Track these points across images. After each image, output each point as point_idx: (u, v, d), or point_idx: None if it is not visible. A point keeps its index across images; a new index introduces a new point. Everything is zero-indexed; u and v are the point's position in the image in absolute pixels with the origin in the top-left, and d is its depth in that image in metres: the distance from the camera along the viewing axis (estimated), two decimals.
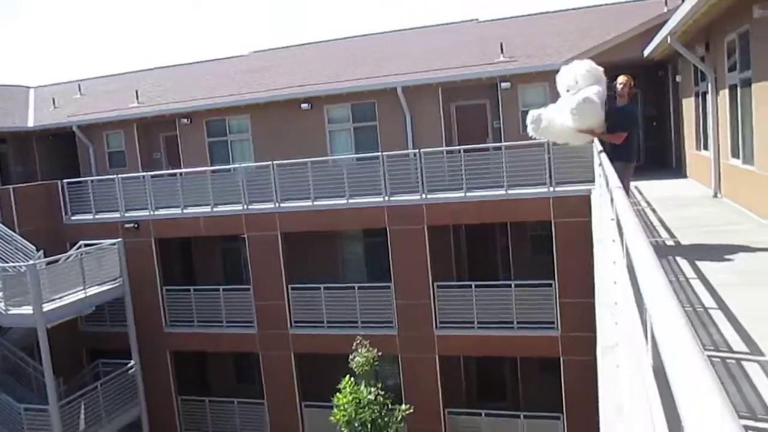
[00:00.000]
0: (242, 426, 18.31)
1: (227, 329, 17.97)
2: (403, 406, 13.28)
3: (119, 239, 17.64)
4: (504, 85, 17.44)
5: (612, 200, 4.77)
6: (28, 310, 14.79)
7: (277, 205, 17.06)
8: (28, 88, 27.89)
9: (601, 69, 8.34)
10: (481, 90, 18.17)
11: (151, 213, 18.37)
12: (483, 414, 16.30)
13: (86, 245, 16.98)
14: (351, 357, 13.24)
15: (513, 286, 15.67)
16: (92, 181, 19.53)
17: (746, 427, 3.17)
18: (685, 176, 14.81)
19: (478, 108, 18.55)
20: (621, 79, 8.18)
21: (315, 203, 16.72)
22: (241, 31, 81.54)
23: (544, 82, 16.65)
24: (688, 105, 14.17)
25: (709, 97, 11.31)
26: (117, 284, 17.19)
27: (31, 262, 15.29)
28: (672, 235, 8.25)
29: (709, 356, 4.13)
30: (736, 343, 4.28)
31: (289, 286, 17.18)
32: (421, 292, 15.94)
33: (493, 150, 16.52)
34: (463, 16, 24.73)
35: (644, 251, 2.22)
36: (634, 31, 15.91)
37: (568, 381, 14.98)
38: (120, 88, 24.89)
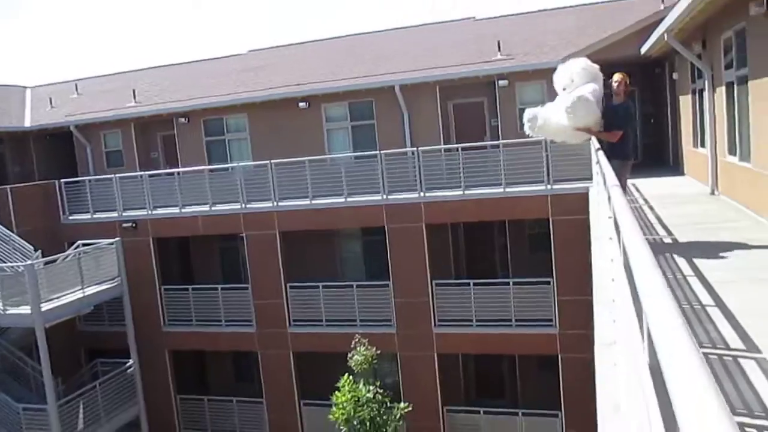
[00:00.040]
0: (241, 425, 18.31)
1: (226, 328, 17.98)
2: (402, 405, 13.28)
3: (117, 239, 17.63)
4: (501, 83, 17.45)
5: (609, 198, 4.79)
6: (26, 309, 14.78)
7: (275, 204, 17.06)
8: (25, 87, 27.84)
9: (596, 67, 8.34)
10: (478, 88, 18.17)
11: (149, 212, 18.36)
12: (482, 412, 16.33)
13: (84, 245, 16.97)
14: (350, 355, 13.24)
15: (511, 284, 15.68)
16: (90, 180, 19.51)
17: (743, 424, 3.18)
18: (682, 173, 14.83)
19: (476, 106, 18.55)
20: (616, 77, 8.19)
21: (313, 202, 16.72)
22: (239, 30, 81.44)
23: (542, 79, 16.65)
24: (685, 102, 14.19)
25: (705, 94, 11.33)
26: (115, 284, 17.19)
27: (29, 262, 15.28)
28: (669, 233, 8.27)
29: (706, 353, 4.14)
30: (733, 341, 4.29)
31: (288, 285, 17.18)
32: (419, 290, 15.95)
33: (491, 148, 16.53)
34: (460, 15, 24.69)
35: (641, 249, 2.23)
36: (631, 28, 15.92)
37: (567, 378, 15.01)
38: (117, 87, 24.86)
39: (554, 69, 8.84)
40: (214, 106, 20.10)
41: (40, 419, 15.19)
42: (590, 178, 12.74)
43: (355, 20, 70.22)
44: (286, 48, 25.82)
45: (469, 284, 16.00)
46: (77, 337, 19.79)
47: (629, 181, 12.20)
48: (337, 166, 17.42)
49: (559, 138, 8.87)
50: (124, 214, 18.58)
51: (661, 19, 11.91)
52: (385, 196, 16.11)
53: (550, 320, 15.14)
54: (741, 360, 3.99)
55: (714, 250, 6.93)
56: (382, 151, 16.54)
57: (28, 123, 23.05)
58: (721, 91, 10.37)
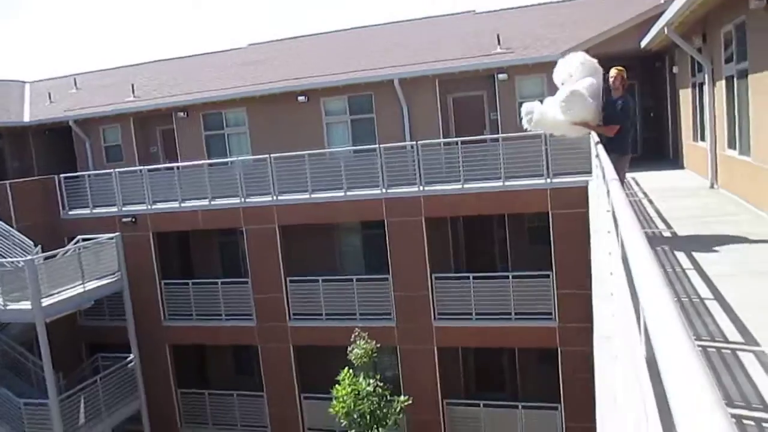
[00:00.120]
0: (242, 418, 18.37)
1: (226, 322, 18.01)
2: (402, 398, 13.33)
3: (117, 233, 17.64)
4: (501, 76, 17.43)
5: (608, 192, 4.79)
6: (26, 305, 14.81)
7: (274, 198, 17.07)
8: (24, 82, 27.80)
9: (594, 61, 8.32)
10: (478, 81, 18.15)
11: (149, 207, 18.36)
12: (481, 405, 16.37)
13: (84, 240, 16.98)
14: (350, 349, 13.28)
15: (511, 277, 15.70)
16: (89, 175, 19.50)
17: (741, 417, 3.20)
18: (682, 167, 14.83)
19: (475, 100, 18.53)
20: (612, 72, 8.17)
21: (312, 196, 16.72)
22: (238, 24, 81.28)
23: (542, 73, 16.64)
24: (685, 96, 14.18)
25: (705, 88, 11.32)
26: (115, 278, 17.21)
27: (29, 257, 15.29)
28: (668, 226, 8.28)
29: (705, 346, 4.15)
30: (732, 334, 4.30)
31: (288, 279, 17.20)
32: (419, 283, 15.97)
33: (491, 142, 16.52)
34: (460, 8, 24.67)
35: (638, 242, 2.23)
36: (632, 22, 15.89)
37: (566, 372, 15.04)
38: (116, 82, 24.83)
39: (554, 63, 8.84)
40: (214, 101, 20.07)
41: (41, 414, 15.23)
42: (590, 172, 12.74)
43: (355, 14, 70.09)
44: (285, 42, 25.77)
45: (468, 278, 16.03)
46: (78, 331, 19.82)
47: (629, 175, 12.22)
48: (336, 160, 17.42)
49: (558, 132, 8.88)
50: (123, 208, 18.58)
51: (662, 13, 11.90)
52: (384, 190, 16.11)
53: (550, 313, 15.17)
54: (740, 353, 4.00)
55: (713, 243, 6.93)
56: (381, 145, 16.53)
57: (27, 118, 23.02)
58: (721, 84, 10.36)
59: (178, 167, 18.60)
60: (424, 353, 16.19)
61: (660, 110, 18.48)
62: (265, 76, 20.95)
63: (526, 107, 8.57)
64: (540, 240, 16.07)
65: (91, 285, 16.42)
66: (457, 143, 16.01)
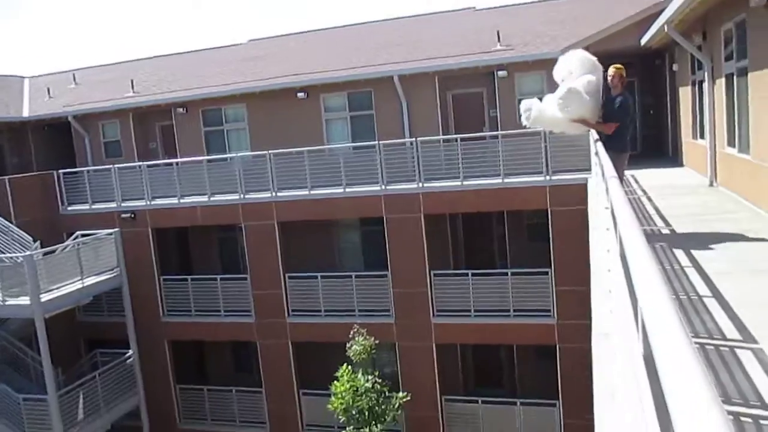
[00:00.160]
0: (240, 414, 18.39)
1: (225, 318, 18.02)
2: (401, 394, 13.35)
3: (116, 229, 17.65)
4: (501, 73, 17.41)
5: (607, 189, 4.80)
6: (25, 300, 14.81)
7: (273, 194, 17.06)
8: (23, 77, 27.77)
9: (594, 58, 8.32)
10: (477, 78, 18.14)
11: (148, 203, 18.36)
12: (480, 401, 16.40)
13: (83, 235, 16.98)
14: (348, 345, 13.29)
15: (509, 274, 15.72)
16: (88, 171, 19.49)
17: (739, 414, 3.20)
18: (681, 165, 14.83)
19: (475, 97, 18.52)
20: (610, 71, 8.17)
21: (312, 192, 16.72)
22: (238, 20, 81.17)
23: (542, 70, 16.63)
24: (685, 94, 14.18)
25: (705, 86, 11.32)
26: (114, 274, 17.21)
27: (28, 252, 15.29)
28: (667, 224, 8.28)
29: (703, 344, 4.16)
30: (730, 331, 4.31)
31: (286, 275, 17.21)
32: (418, 280, 15.98)
33: (490, 139, 16.52)
34: (460, 4, 24.64)
35: (636, 240, 2.23)
36: (632, 19, 15.87)
37: (564, 368, 15.07)
38: (115, 77, 24.80)
39: (554, 60, 8.83)
40: (213, 96, 20.05)
41: (40, 409, 15.24)
42: (589, 169, 12.74)
43: (355, 10, 69.97)
44: (285, 38, 25.74)
45: (467, 274, 16.04)
46: (77, 327, 19.84)
47: (628, 172, 12.22)
48: (335, 157, 17.41)
49: (557, 129, 8.88)
50: (122, 204, 18.58)
51: (662, 10, 11.88)
52: (383, 187, 16.11)
53: (548, 310, 15.18)
54: (737, 350, 4.01)
55: (712, 241, 6.94)
56: (380, 142, 16.53)
57: (26, 113, 23.00)
58: (721, 82, 10.36)
59: (177, 163, 18.59)
60: (423, 350, 16.21)
61: (660, 108, 18.48)
62: (265, 72, 20.93)
63: (524, 104, 8.57)
64: (539, 237, 16.08)
65: (90, 281, 16.42)
66: (456, 140, 16.00)
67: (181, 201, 18.01)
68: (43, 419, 15.14)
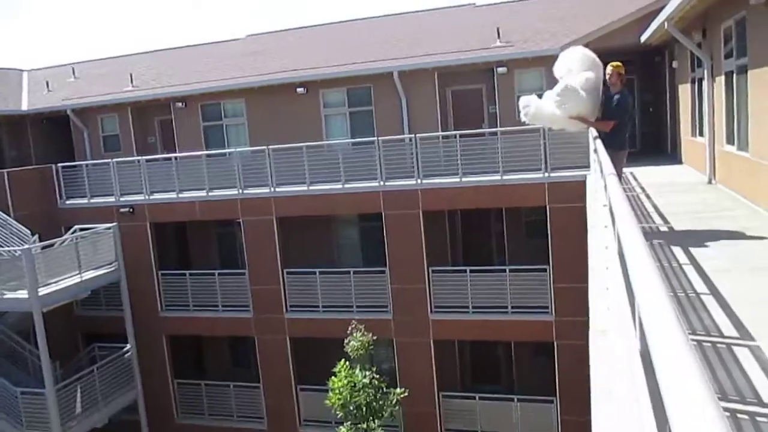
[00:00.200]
0: (238, 409, 18.40)
1: (223, 313, 18.02)
2: (398, 390, 13.36)
3: (114, 223, 17.62)
4: (500, 70, 17.40)
5: (605, 186, 4.80)
6: (23, 294, 14.80)
7: (272, 189, 17.05)
8: (22, 71, 27.69)
9: (593, 55, 8.30)
10: (477, 75, 18.12)
11: (147, 197, 18.34)
12: (477, 398, 16.42)
13: (81, 229, 16.96)
14: (346, 341, 13.29)
15: (507, 271, 15.73)
16: (87, 165, 19.46)
17: (735, 411, 3.21)
18: (680, 162, 14.84)
19: (475, 93, 18.50)
20: (608, 69, 8.16)
21: (310, 188, 16.70)
22: (237, 15, 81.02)
23: (541, 67, 16.62)
24: (684, 91, 14.18)
25: (705, 83, 11.32)
26: (112, 268, 17.20)
27: (26, 246, 15.27)
28: (666, 221, 8.29)
29: (700, 341, 4.17)
30: (728, 329, 4.31)
31: (285, 271, 17.21)
32: (416, 276, 15.98)
33: (489, 135, 16.51)
34: (460, 1, 24.57)
35: (634, 237, 2.23)
36: (632, 16, 15.86)
37: (562, 365, 15.09)
38: (114, 71, 24.75)
39: (553, 56, 8.82)
40: (212, 91, 20.02)
41: (38, 403, 15.24)
42: (588, 166, 12.74)
43: (355, 5, 69.81)
44: (284, 33, 25.69)
45: (465, 271, 16.05)
46: (74, 321, 19.83)
47: (627, 170, 12.21)
48: (334, 152, 17.39)
49: (556, 126, 8.87)
50: (121, 199, 18.55)
51: (662, 7, 11.87)
52: (382, 183, 16.10)
53: (546, 307, 15.20)
54: (735, 348, 4.02)
55: (710, 238, 6.94)
56: (379, 138, 16.52)
57: (24, 106, 22.95)
58: (721, 80, 10.36)
59: (175, 158, 18.57)
60: (421, 346, 16.23)
61: (659, 105, 18.47)
62: (264, 67, 20.89)
63: (523, 101, 8.57)
64: (537, 234, 16.09)
65: (88, 275, 16.41)
66: (455, 136, 15.99)
67: (180, 196, 17.99)
68: (41, 413, 15.14)
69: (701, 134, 12.17)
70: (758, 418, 3.14)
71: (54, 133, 22.86)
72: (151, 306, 18.49)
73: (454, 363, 18.19)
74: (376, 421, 12.92)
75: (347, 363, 12.96)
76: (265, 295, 17.36)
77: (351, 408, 12.70)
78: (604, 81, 8.25)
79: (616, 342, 3.29)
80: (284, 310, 17.26)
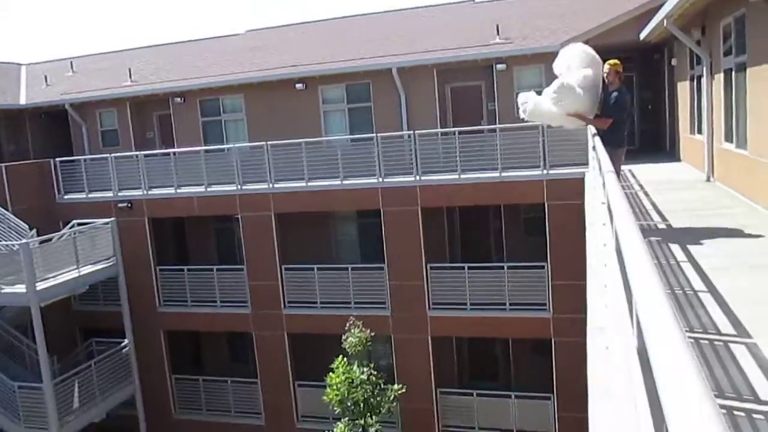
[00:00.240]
0: (236, 405, 18.41)
1: (221, 309, 18.02)
2: (396, 386, 13.36)
3: (112, 218, 17.62)
4: (499, 67, 17.39)
5: (603, 184, 4.80)
6: (21, 288, 14.79)
7: (271, 185, 17.04)
8: (20, 65, 27.63)
9: (593, 52, 8.30)
10: (476, 71, 18.11)
11: (145, 192, 18.32)
12: (475, 394, 16.44)
13: (79, 224, 16.94)
14: (344, 337, 13.29)
15: (506, 268, 15.73)
16: (85, 160, 19.43)
17: (732, 408, 3.22)
18: (678, 160, 14.85)
19: (474, 90, 18.49)
20: (605, 67, 8.16)
21: (309, 184, 16.69)
22: (237, 10, 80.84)
23: (540, 64, 16.62)
24: (683, 89, 14.17)
25: (704, 81, 11.31)
26: (110, 263, 17.20)
27: (25, 240, 15.26)
28: (664, 219, 8.29)
29: (697, 338, 4.17)
30: (725, 326, 4.32)
31: (283, 267, 17.21)
32: (414, 273, 15.99)
33: (488, 132, 16.50)
34: None
35: (632, 235, 2.23)
36: (631, 13, 15.85)
37: (559, 362, 15.12)
38: (113, 66, 24.71)
39: (552, 53, 8.84)
40: (211, 86, 20.00)
41: (35, 397, 15.25)
42: (587, 164, 12.74)
43: (354, 1, 69.68)
44: (284, 29, 25.65)
45: (463, 268, 16.05)
46: (72, 316, 19.83)
47: (625, 167, 12.22)
48: (333, 149, 17.38)
49: (554, 123, 8.87)
50: (119, 194, 18.53)
51: (661, 5, 11.86)
52: (381, 179, 16.10)
53: (544, 304, 15.21)
54: (732, 345, 4.02)
55: (708, 236, 6.95)
56: (378, 134, 16.50)
57: (23, 101, 22.91)
58: (720, 77, 10.36)
59: (174, 153, 18.54)
60: (419, 342, 16.24)
61: (658, 102, 18.47)
62: (263, 62, 20.86)
63: (522, 97, 8.58)
64: (535, 231, 16.10)
65: (86, 270, 16.41)
66: (454, 133, 15.98)
67: (178, 191, 17.98)
68: (39, 407, 15.15)
69: (700, 132, 12.18)
70: (755, 416, 3.14)
71: (52, 128, 22.83)
72: (149, 301, 18.49)
73: (452, 359, 18.21)
74: (373, 417, 12.92)
75: (345, 359, 12.95)
76: (264, 290, 17.36)
77: (349, 404, 12.70)
78: (603, 78, 8.25)
79: (614, 339, 3.29)
80: (282, 306, 17.27)
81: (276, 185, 17.01)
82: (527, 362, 17.94)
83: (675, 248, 6.54)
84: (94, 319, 19.61)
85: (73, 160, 19.52)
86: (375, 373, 13.00)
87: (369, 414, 12.83)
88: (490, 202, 16.53)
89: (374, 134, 16.73)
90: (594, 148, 7.80)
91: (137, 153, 19.05)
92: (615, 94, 8.05)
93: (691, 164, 13.17)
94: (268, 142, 17.06)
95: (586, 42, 9.21)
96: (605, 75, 8.13)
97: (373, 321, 14.64)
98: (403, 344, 16.42)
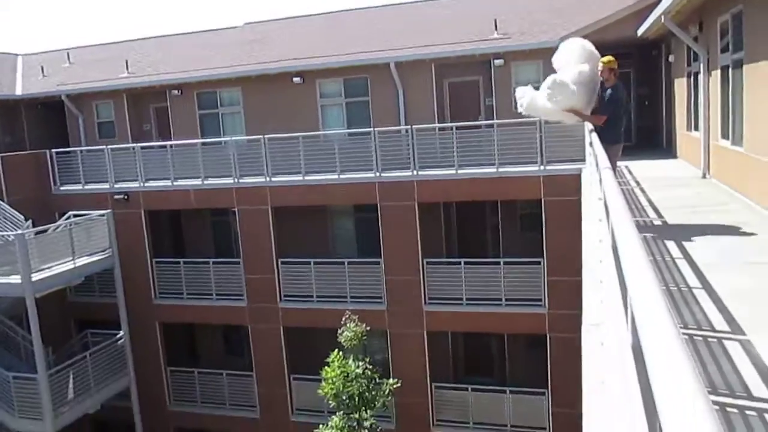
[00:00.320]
0: (230, 397, 18.43)
1: (217, 302, 18.01)
2: (391, 380, 13.40)
3: (108, 210, 17.57)
4: (497, 62, 17.36)
5: (600, 180, 4.80)
6: (16, 279, 14.77)
7: (268, 179, 17.01)
8: (17, 55, 27.48)
9: (591, 47, 8.30)
10: (474, 67, 18.08)
11: (141, 185, 18.28)
12: (470, 389, 16.48)
13: (75, 216, 16.91)
14: (340, 331, 13.31)
15: (502, 263, 15.74)
16: (81, 151, 19.38)
17: (725, 405, 3.23)
18: (675, 156, 14.87)
19: (471, 85, 18.48)
20: (599, 65, 8.16)
21: (306, 178, 16.67)
22: (234, 2, 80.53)
23: (538, 59, 16.60)
24: (680, 85, 14.18)
25: (701, 77, 11.32)
26: (106, 255, 17.17)
27: (20, 231, 15.22)
28: (660, 215, 8.31)
29: (692, 335, 4.19)
30: (719, 323, 4.34)
31: (279, 260, 17.20)
32: (410, 268, 16.00)
33: (485, 127, 16.50)
34: None
35: (628, 231, 2.24)
36: (629, 9, 15.84)
37: (554, 358, 15.15)
38: (110, 57, 24.60)
39: (551, 49, 8.82)
40: (208, 79, 19.94)
41: (30, 388, 15.25)
42: (583, 160, 12.75)
43: None
44: (282, 22, 25.54)
45: (460, 263, 16.05)
46: (67, 307, 19.81)
47: (622, 163, 12.24)
48: (330, 143, 17.36)
49: (552, 118, 8.88)
50: (115, 185, 18.49)
51: (659, 1, 11.86)
52: (378, 174, 16.08)
53: (540, 300, 15.24)
54: (726, 342, 4.04)
55: (704, 233, 6.97)
56: (375, 129, 16.48)
57: (19, 91, 22.82)
58: (716, 74, 10.37)
59: (171, 145, 18.49)
60: (414, 337, 16.27)
61: (655, 99, 18.48)
62: (261, 56, 20.80)
63: (519, 92, 8.58)
64: (532, 227, 16.12)
65: (82, 261, 16.39)
66: (451, 128, 15.97)
67: (175, 184, 17.95)
68: (33, 398, 15.15)
69: (696, 128, 12.19)
70: (747, 412, 3.16)
71: (49, 119, 22.76)
72: (144, 293, 18.47)
73: (447, 354, 18.25)
74: (368, 411, 12.96)
75: (340, 353, 12.98)
76: (260, 284, 17.36)
77: (344, 398, 12.73)
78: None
79: (609, 335, 3.30)
80: (278, 299, 17.27)
81: (273, 179, 16.99)
82: (522, 357, 17.99)
83: (670, 245, 6.55)
84: (89, 311, 19.60)
85: (69, 152, 19.47)
86: (370, 367, 13.03)
87: (364, 408, 12.87)
88: (487, 197, 16.54)
89: (372, 129, 16.71)
90: (591, 144, 7.81)
91: (134, 145, 19.01)
92: (609, 91, 8.06)
93: (688, 161, 13.20)
94: (266, 136, 17.03)
95: (585, 37, 9.19)
96: (599, 72, 8.13)
97: (368, 315, 14.65)
98: (399, 339, 16.44)
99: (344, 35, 21.49)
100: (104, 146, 18.90)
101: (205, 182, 17.60)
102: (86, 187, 18.86)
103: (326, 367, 12.84)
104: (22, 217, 16.75)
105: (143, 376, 18.30)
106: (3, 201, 17.20)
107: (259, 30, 24.58)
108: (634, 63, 18.80)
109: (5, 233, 15.51)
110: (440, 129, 16.79)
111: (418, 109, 18.13)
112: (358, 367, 12.78)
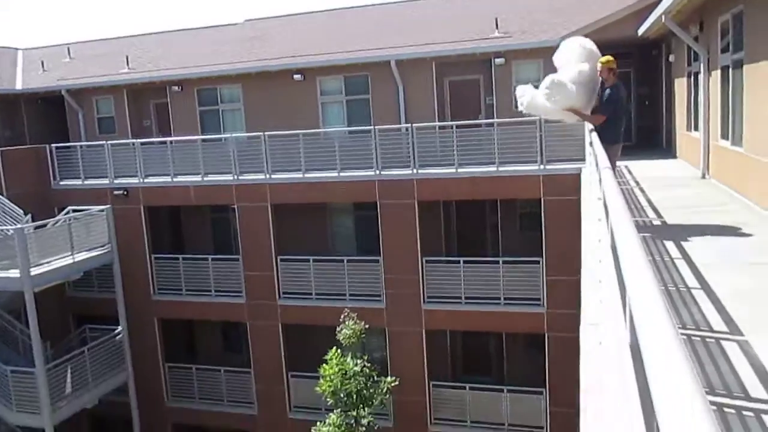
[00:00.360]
0: (228, 394, 18.43)
1: (215, 298, 18.01)
2: (389, 379, 13.40)
3: (108, 206, 17.58)
4: (498, 61, 17.35)
5: (600, 180, 4.80)
6: (15, 273, 14.77)
7: (268, 176, 17.01)
8: (17, 49, 27.45)
9: (591, 46, 8.30)
10: (475, 65, 18.07)
11: (141, 180, 18.27)
12: (467, 388, 16.49)
13: (74, 211, 16.91)
14: (338, 329, 13.32)
15: (501, 262, 15.74)
16: (81, 146, 19.37)
17: (723, 405, 3.24)
18: (674, 156, 14.87)
19: (472, 83, 18.47)
20: (597, 64, 8.16)
21: (306, 175, 16.66)
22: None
23: (539, 58, 16.59)
24: (680, 85, 14.18)
25: (701, 77, 11.31)
26: (105, 251, 17.17)
27: (19, 225, 15.22)
28: (659, 215, 8.32)
29: (690, 335, 4.19)
30: (717, 323, 4.34)
31: (279, 258, 17.20)
32: (409, 266, 16.00)
33: (486, 126, 16.49)
34: None
35: (627, 231, 2.24)
36: (630, 9, 15.83)
37: (553, 357, 15.16)
38: (110, 52, 24.57)
39: (551, 48, 8.81)
40: (209, 76, 19.92)
41: (28, 382, 15.26)
42: (583, 159, 12.75)
43: None
44: (282, 19, 25.53)
45: (459, 262, 16.05)
46: (66, 302, 19.81)
47: (621, 163, 12.23)
48: (330, 140, 17.35)
49: (551, 117, 8.87)
50: (115, 181, 18.48)
51: (660, 1, 11.85)
52: (378, 172, 16.08)
53: (539, 299, 15.24)
54: (724, 342, 4.04)
55: (703, 233, 6.97)
56: (376, 127, 16.47)
57: (19, 86, 22.80)
58: (717, 74, 10.36)
59: (171, 142, 18.48)
60: (413, 335, 16.27)
61: (655, 99, 18.47)
62: (262, 52, 20.78)
63: (519, 90, 8.58)
64: (531, 226, 16.12)
65: (81, 256, 16.38)
66: (452, 127, 15.96)
67: (175, 180, 17.93)
68: (31, 392, 15.16)
69: (696, 129, 12.19)
70: (744, 413, 3.16)
71: (49, 113, 22.74)
72: (143, 289, 18.47)
73: (446, 353, 18.25)
74: (366, 408, 12.97)
75: (339, 351, 12.98)
76: (259, 281, 17.36)
77: (341, 395, 12.74)
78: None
79: (607, 334, 3.31)
80: (277, 296, 17.27)
81: (273, 176, 16.98)
82: (520, 357, 18.00)
83: (669, 245, 6.56)
84: (88, 306, 19.60)
85: (69, 147, 19.45)
86: (368, 365, 13.04)
87: (362, 406, 12.88)
88: (487, 196, 16.54)
89: (372, 126, 16.69)
90: (591, 144, 7.81)
91: (134, 141, 18.99)
92: (609, 90, 8.06)
93: (687, 161, 13.19)
94: (266, 133, 17.02)
95: (585, 36, 9.18)
96: (598, 72, 8.13)
97: (367, 313, 14.66)
98: (397, 337, 16.45)
99: (345, 33, 21.47)
100: (104, 141, 18.88)
101: (205, 179, 17.59)
102: (86, 182, 18.85)
103: (324, 365, 12.85)
104: (22, 211, 16.76)
105: (141, 371, 18.31)
106: (2, 195, 17.20)
107: (260, 27, 24.56)
108: (634, 63, 18.80)
109: (4, 227, 15.51)
110: (440, 127, 16.78)
111: (418, 107, 18.12)
112: (356, 364, 12.79)
